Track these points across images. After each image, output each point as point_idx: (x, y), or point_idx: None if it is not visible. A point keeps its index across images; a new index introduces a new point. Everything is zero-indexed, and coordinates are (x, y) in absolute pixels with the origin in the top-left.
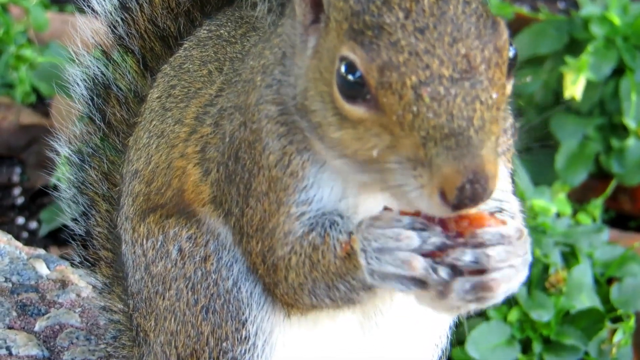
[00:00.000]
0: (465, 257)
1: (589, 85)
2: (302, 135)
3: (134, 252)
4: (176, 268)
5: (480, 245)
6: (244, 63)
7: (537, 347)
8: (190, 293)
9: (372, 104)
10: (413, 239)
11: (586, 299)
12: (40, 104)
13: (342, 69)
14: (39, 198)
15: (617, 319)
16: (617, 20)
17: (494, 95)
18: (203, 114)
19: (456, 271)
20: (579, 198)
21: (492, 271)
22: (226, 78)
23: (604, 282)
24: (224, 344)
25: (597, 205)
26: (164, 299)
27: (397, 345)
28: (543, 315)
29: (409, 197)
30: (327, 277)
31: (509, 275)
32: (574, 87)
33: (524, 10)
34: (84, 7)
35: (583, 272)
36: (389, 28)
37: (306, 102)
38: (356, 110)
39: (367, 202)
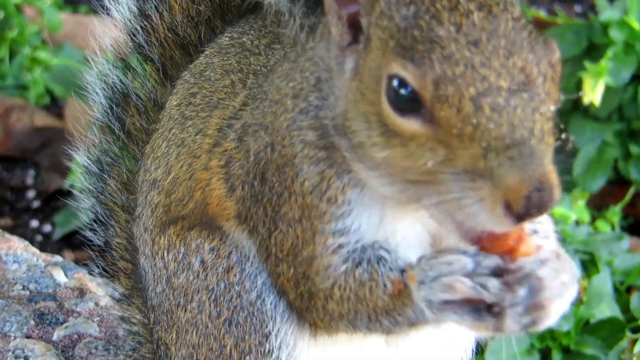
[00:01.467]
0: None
1: (608, 91)
2: (341, 158)
3: (155, 264)
4: (198, 280)
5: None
6: (269, 80)
7: (556, 356)
8: (212, 305)
9: (427, 118)
10: (466, 262)
11: (606, 308)
12: (54, 105)
13: (394, 83)
14: (53, 201)
15: (637, 329)
16: (636, 24)
17: (552, 108)
18: (227, 126)
19: (507, 285)
20: (597, 205)
21: (543, 289)
22: (250, 92)
23: (623, 291)
24: (247, 358)
25: (615, 212)
26: (185, 311)
27: (430, 352)
28: (563, 324)
29: (466, 211)
30: (372, 311)
31: (559, 292)
32: (593, 93)
33: (542, 14)
34: (102, 14)
35: (603, 281)
36: (441, 41)
37: (347, 123)
38: (410, 124)
39: (405, 228)
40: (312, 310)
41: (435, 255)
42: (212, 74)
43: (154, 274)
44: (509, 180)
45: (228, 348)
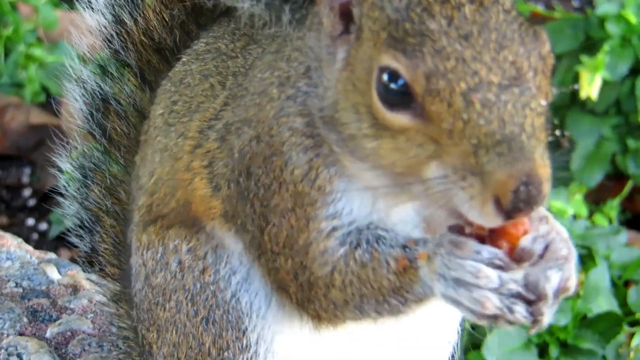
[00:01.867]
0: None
1: (605, 85)
2: (328, 149)
3: (136, 261)
4: (175, 280)
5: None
6: (250, 76)
7: (554, 351)
8: (190, 304)
9: (418, 112)
10: (492, 280)
11: (603, 302)
12: (50, 103)
13: (384, 77)
14: (49, 199)
15: (635, 323)
16: (633, 18)
17: (542, 103)
18: (207, 128)
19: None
20: (595, 199)
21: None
22: (230, 93)
23: (621, 285)
24: (226, 354)
25: (613, 207)
26: (164, 310)
27: (409, 342)
28: (560, 319)
29: (457, 206)
30: (378, 292)
31: (572, 257)
32: (590, 87)
33: (539, 8)
34: (79, 23)
35: (600, 275)
36: (432, 35)
37: (336, 115)
38: (399, 119)
39: (398, 212)
40: (313, 301)
41: (457, 252)
42: (191, 80)
43: (135, 270)
44: (497, 175)
45: (207, 345)
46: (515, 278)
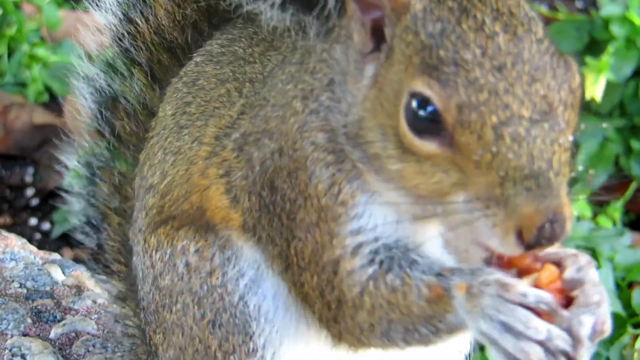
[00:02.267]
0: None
1: (609, 86)
2: (351, 164)
3: (144, 263)
4: (182, 282)
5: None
6: (269, 85)
7: None
8: (196, 307)
9: (447, 141)
10: (540, 332)
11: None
12: (53, 103)
13: (414, 104)
14: (52, 199)
15: (639, 325)
16: (637, 20)
17: (570, 138)
18: (224, 135)
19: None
20: (599, 201)
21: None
22: (248, 101)
23: (625, 287)
24: (232, 357)
25: (617, 208)
26: (171, 312)
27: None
28: None
29: (477, 233)
30: (408, 319)
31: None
32: (594, 88)
33: (543, 9)
34: (87, 21)
35: (604, 277)
36: (466, 65)
37: (361, 132)
38: (427, 146)
39: (422, 229)
40: (339, 322)
41: (506, 295)
42: (205, 84)
43: (142, 272)
44: (524, 209)
45: (212, 349)
46: (564, 337)
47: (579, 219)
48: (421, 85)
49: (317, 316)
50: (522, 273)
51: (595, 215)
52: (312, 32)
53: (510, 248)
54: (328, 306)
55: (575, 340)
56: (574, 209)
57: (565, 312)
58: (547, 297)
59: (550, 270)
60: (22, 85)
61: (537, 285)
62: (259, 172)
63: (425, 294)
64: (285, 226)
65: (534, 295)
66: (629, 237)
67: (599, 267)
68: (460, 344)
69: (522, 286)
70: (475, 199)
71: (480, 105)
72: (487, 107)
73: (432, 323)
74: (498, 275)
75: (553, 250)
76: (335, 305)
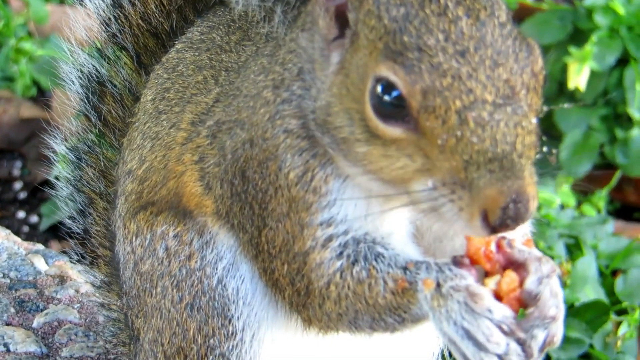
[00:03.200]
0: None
1: (593, 76)
2: (323, 149)
3: (125, 249)
4: (162, 266)
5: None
6: (242, 76)
7: None
8: (175, 290)
9: (411, 126)
10: (500, 347)
11: (591, 292)
12: (41, 97)
13: (379, 88)
14: (40, 192)
15: (622, 312)
16: (621, 9)
17: (533, 121)
18: (199, 122)
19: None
20: (583, 189)
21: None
22: (223, 89)
23: (608, 274)
24: (211, 341)
25: (601, 197)
26: (151, 296)
27: (393, 349)
28: None
29: (444, 218)
30: (374, 309)
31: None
32: (578, 78)
33: (527, 0)
34: (76, 3)
35: (587, 264)
36: (429, 50)
37: (329, 118)
38: (392, 131)
39: (391, 218)
40: (308, 307)
41: (473, 306)
42: (184, 70)
43: (124, 259)
44: (487, 191)
45: (191, 332)
46: (519, 352)
47: (563, 207)
48: (385, 70)
49: (287, 301)
50: (488, 273)
51: (579, 204)
52: (277, 18)
53: (476, 231)
54: (298, 293)
55: (527, 354)
56: (558, 197)
57: (521, 334)
58: (509, 317)
59: (511, 278)
60: (9, 79)
61: (497, 291)
62: (231, 160)
63: (390, 286)
64: (257, 215)
65: (500, 314)
66: (612, 225)
67: (582, 254)
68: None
69: (488, 300)
70: (440, 184)
71: (444, 90)
72: (450, 92)
73: (398, 313)
74: (469, 281)
75: (522, 248)
76: (304, 292)
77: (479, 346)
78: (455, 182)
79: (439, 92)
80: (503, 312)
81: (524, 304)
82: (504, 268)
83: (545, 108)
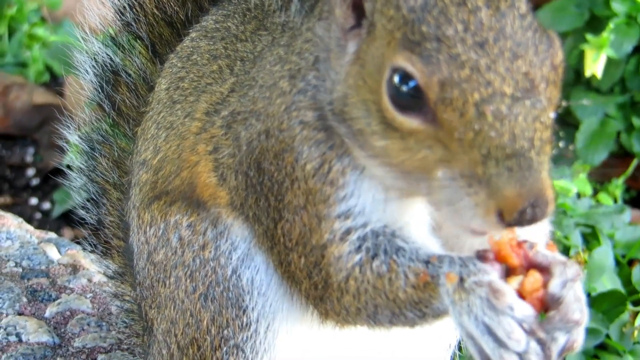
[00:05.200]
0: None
1: (610, 63)
2: (340, 140)
3: (139, 239)
4: (176, 256)
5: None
6: (258, 66)
7: None
8: (188, 281)
9: (429, 117)
10: (521, 344)
11: (607, 282)
12: (54, 83)
13: (396, 79)
14: (52, 178)
15: (638, 302)
16: None
17: (551, 115)
18: (214, 112)
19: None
20: (600, 178)
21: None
22: (238, 79)
23: (625, 264)
24: (225, 332)
25: (618, 185)
26: (165, 287)
27: (408, 342)
28: None
29: (459, 211)
30: (394, 304)
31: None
32: (595, 65)
33: None
34: None
35: (604, 254)
36: (448, 41)
37: (346, 109)
38: (410, 122)
39: (410, 211)
40: (326, 301)
41: (494, 302)
42: (199, 59)
43: (138, 250)
44: (506, 192)
45: (205, 323)
46: (538, 351)
47: (579, 196)
48: (403, 61)
49: (304, 294)
50: (511, 271)
51: (596, 193)
52: (293, 7)
53: (490, 227)
54: (315, 286)
55: (546, 356)
56: (575, 185)
57: (542, 334)
58: (531, 317)
59: (535, 278)
60: (22, 65)
61: (520, 291)
62: (246, 152)
63: (412, 280)
64: (273, 207)
65: (521, 312)
66: (629, 214)
67: (599, 244)
68: (449, 337)
69: (511, 297)
70: (459, 177)
71: (462, 82)
72: (469, 84)
73: (418, 308)
74: (492, 277)
75: (545, 252)
76: (322, 286)
77: (499, 342)
78: (473, 176)
79: (456, 84)
80: (525, 310)
81: (546, 306)
82: (527, 269)
83: (564, 103)
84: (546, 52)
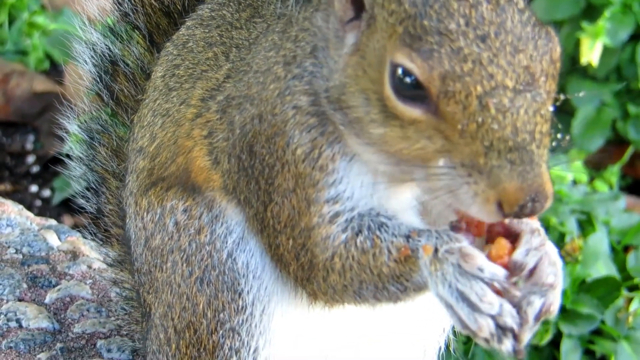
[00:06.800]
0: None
1: (606, 51)
2: (332, 127)
3: (136, 225)
4: (172, 240)
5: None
6: (253, 52)
7: None
8: (185, 265)
9: (432, 109)
10: (494, 307)
11: (602, 268)
12: (54, 70)
13: (399, 71)
14: (53, 166)
15: (633, 288)
16: None
17: (550, 108)
18: (209, 97)
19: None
20: (596, 165)
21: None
22: (233, 66)
23: (620, 250)
24: (221, 315)
25: (613, 172)
26: (162, 271)
27: (402, 327)
28: None
29: (458, 199)
30: (378, 278)
31: (557, 279)
32: (591, 53)
33: None
34: None
35: (599, 240)
36: (450, 34)
37: (343, 97)
38: (411, 112)
39: (397, 196)
40: (312, 281)
41: (465, 266)
42: (194, 46)
43: (136, 236)
44: (507, 184)
45: (201, 306)
46: (513, 314)
47: (575, 182)
48: (403, 58)
49: (292, 276)
50: (489, 240)
51: (592, 180)
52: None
53: (489, 216)
54: (302, 267)
55: (522, 320)
56: (571, 172)
57: (516, 292)
58: (500, 275)
59: (501, 244)
60: (22, 53)
61: (488, 257)
62: (239, 135)
63: (394, 255)
64: (263, 190)
65: (489, 271)
66: (624, 201)
67: (594, 230)
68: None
69: (481, 260)
70: (459, 166)
71: (464, 75)
72: (471, 77)
73: (400, 282)
74: (462, 244)
75: (522, 220)
76: (308, 266)
77: (473, 307)
78: (474, 166)
79: (459, 77)
80: (493, 269)
81: (511, 272)
82: (504, 236)
83: (562, 96)
84: (545, 47)
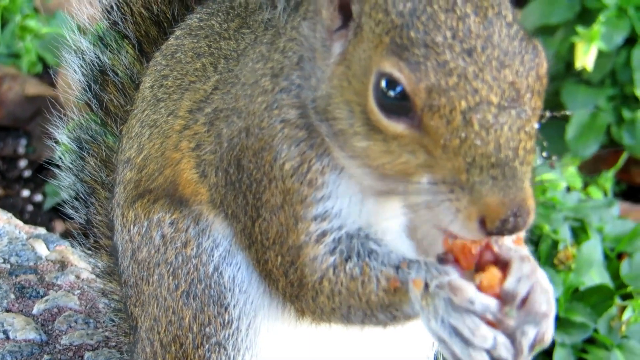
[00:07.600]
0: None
1: (601, 55)
2: (321, 139)
3: (123, 237)
4: (158, 253)
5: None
6: (241, 64)
7: None
8: (171, 278)
9: (415, 123)
10: (487, 341)
11: (596, 275)
12: (47, 74)
13: (383, 83)
14: (45, 170)
15: (627, 296)
16: None
17: (535, 125)
18: (197, 109)
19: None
20: (590, 170)
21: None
22: (221, 77)
23: (614, 258)
24: (207, 329)
25: (608, 178)
26: (148, 284)
27: (392, 340)
28: None
29: (439, 216)
30: (367, 306)
31: (549, 308)
32: (586, 57)
33: None
34: None
35: (593, 248)
36: (436, 47)
37: (329, 108)
38: (395, 126)
39: (386, 213)
40: (302, 299)
41: (456, 300)
42: (182, 57)
43: (122, 248)
44: (489, 200)
45: (187, 320)
46: (507, 346)
47: (569, 189)
48: (390, 67)
49: (281, 292)
50: (478, 270)
51: (586, 186)
52: (280, 6)
53: (471, 233)
54: (291, 284)
55: (517, 351)
56: (564, 179)
57: (510, 321)
58: (492, 306)
59: (492, 274)
60: (15, 56)
61: (479, 287)
62: (227, 148)
63: (383, 285)
64: (251, 205)
65: (481, 303)
66: (617, 207)
67: (587, 237)
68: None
69: (471, 292)
70: (440, 182)
71: (449, 89)
72: (456, 92)
73: (389, 311)
74: (452, 277)
75: (510, 246)
76: (297, 284)
77: (466, 342)
78: (455, 182)
79: (444, 91)
80: (485, 301)
81: (503, 302)
82: (494, 265)
83: (548, 114)
84: (532, 62)
